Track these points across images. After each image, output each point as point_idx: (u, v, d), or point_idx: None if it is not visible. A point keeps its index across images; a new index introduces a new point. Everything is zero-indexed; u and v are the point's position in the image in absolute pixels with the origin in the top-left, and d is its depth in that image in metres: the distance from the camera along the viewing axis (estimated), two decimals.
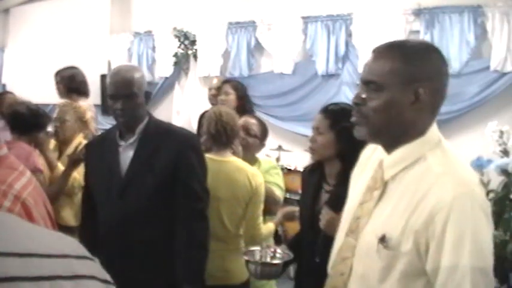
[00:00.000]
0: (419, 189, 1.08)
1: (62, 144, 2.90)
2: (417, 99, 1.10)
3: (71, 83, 3.68)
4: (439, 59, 1.16)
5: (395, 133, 1.14)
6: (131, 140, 1.93)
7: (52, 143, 2.85)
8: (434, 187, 1.06)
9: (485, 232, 1.05)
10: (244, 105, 3.21)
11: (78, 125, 2.93)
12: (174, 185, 1.88)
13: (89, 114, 3.07)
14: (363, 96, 1.15)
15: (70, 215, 2.76)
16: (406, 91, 1.10)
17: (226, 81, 3.66)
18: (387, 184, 1.15)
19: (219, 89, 3.46)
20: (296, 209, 2.37)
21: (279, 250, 1.94)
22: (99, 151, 2.03)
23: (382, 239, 1.09)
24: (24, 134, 2.52)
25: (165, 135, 1.95)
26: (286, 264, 1.92)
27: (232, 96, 3.32)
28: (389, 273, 1.09)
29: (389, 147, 1.17)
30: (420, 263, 1.06)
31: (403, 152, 1.13)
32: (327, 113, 1.88)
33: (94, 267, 0.52)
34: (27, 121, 2.54)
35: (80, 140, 2.86)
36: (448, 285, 1.03)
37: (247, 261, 1.90)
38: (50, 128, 2.77)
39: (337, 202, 1.65)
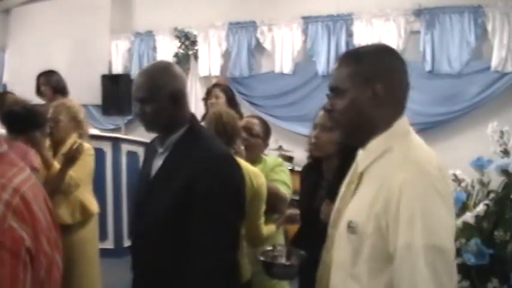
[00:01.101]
0: (383, 176, 1.16)
1: (57, 144, 2.91)
2: (375, 96, 1.20)
3: (57, 86, 3.98)
4: (392, 57, 1.26)
5: (364, 130, 1.24)
6: (162, 150, 1.73)
7: (46, 143, 2.86)
8: (393, 172, 1.13)
9: (439, 212, 1.08)
10: (234, 109, 3.23)
11: (72, 124, 2.95)
12: (189, 210, 1.59)
13: (83, 115, 3.10)
14: (331, 102, 1.27)
15: (66, 213, 2.77)
16: (364, 90, 1.20)
17: (216, 84, 3.70)
18: (362, 177, 1.24)
19: (209, 92, 3.50)
20: (299, 211, 2.37)
21: (290, 250, 1.94)
22: (149, 152, 1.86)
23: (350, 225, 1.18)
24: (20, 134, 2.52)
25: (193, 152, 1.66)
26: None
27: (222, 100, 3.36)
28: (358, 257, 1.16)
29: (364, 144, 1.26)
30: (385, 246, 1.11)
31: (373, 145, 1.23)
32: None
33: None
34: (23, 120, 2.53)
35: (74, 139, 2.86)
36: (404, 263, 1.07)
37: (263, 262, 1.89)
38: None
39: (336, 195, 1.67)
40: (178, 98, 1.69)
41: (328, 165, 1.93)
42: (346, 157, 1.69)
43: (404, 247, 1.06)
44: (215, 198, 1.60)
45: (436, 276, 1.04)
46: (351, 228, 1.17)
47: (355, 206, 1.22)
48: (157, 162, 1.73)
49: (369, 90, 1.20)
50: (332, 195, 1.75)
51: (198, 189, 1.58)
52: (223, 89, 3.49)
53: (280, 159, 2.77)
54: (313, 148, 1.96)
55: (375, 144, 1.22)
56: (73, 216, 2.82)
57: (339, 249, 1.24)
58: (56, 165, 2.71)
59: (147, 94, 1.66)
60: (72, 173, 2.72)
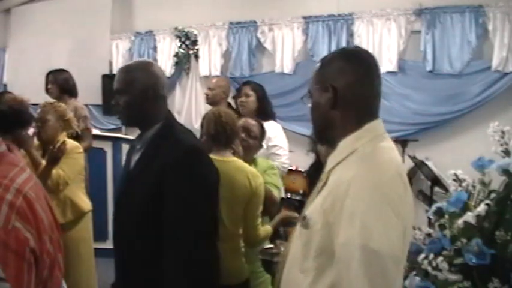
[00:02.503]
0: (341, 176, 1.18)
1: (45, 144, 2.93)
2: (333, 97, 1.24)
3: (64, 85, 3.98)
4: (348, 59, 1.30)
5: (328, 130, 1.29)
6: (139, 146, 1.78)
7: (34, 142, 2.88)
8: (348, 173, 1.15)
9: (382, 215, 1.07)
10: (265, 108, 3.17)
11: (60, 124, 2.97)
12: (161, 203, 1.62)
13: (71, 114, 3.12)
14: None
15: (57, 212, 2.76)
16: (323, 93, 1.27)
17: (246, 82, 3.60)
18: (329, 176, 1.27)
19: (239, 90, 3.44)
20: (295, 214, 2.36)
21: None
22: (130, 149, 1.89)
23: (303, 219, 1.23)
24: (7, 133, 2.52)
25: (164, 146, 1.70)
26: None
27: (252, 98, 3.29)
28: (309, 250, 1.19)
29: (334, 143, 1.30)
30: (331, 242, 1.13)
31: (341, 146, 1.26)
32: None
33: None
34: (8, 119, 2.53)
35: (62, 139, 2.88)
36: (341, 260, 1.09)
37: (262, 260, 1.91)
38: (32, 128, 2.78)
39: None
40: (150, 94, 1.74)
41: None
42: None
43: (342, 245, 1.08)
44: (185, 189, 1.62)
45: (369, 278, 1.03)
46: (304, 222, 1.22)
47: (314, 203, 1.26)
48: (135, 159, 1.78)
49: (327, 92, 1.26)
50: None
51: (168, 181, 1.62)
52: (254, 87, 3.41)
53: (271, 162, 2.77)
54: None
55: (343, 146, 1.25)
56: (64, 215, 2.83)
57: (294, 243, 1.30)
58: (44, 164, 2.73)
59: (120, 86, 1.74)
60: (61, 171, 2.74)
